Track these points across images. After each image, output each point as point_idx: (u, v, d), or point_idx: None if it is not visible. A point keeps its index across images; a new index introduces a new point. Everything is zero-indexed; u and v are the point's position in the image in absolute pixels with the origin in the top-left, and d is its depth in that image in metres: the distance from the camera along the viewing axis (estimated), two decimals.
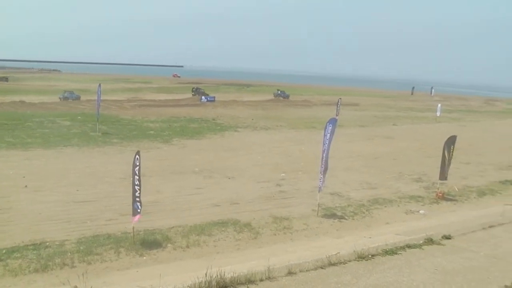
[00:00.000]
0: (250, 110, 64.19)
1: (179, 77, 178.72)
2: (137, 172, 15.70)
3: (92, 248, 14.96)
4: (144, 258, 14.67)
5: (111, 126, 42.32)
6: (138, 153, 15.96)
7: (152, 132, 40.47)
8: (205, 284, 9.02)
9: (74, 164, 26.72)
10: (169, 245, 15.72)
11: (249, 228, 17.52)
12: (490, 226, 15.85)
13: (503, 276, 10.71)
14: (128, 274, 13.35)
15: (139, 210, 15.76)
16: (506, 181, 28.09)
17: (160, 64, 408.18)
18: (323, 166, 19.54)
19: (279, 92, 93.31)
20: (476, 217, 18.75)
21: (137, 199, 15.72)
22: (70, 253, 14.58)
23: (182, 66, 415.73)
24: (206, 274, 9.10)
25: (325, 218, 19.39)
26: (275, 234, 17.33)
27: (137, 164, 15.71)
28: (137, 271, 13.49)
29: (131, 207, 16.01)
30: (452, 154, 23.99)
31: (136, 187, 15.74)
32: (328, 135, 19.43)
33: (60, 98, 69.55)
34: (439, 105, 66.87)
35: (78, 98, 70.80)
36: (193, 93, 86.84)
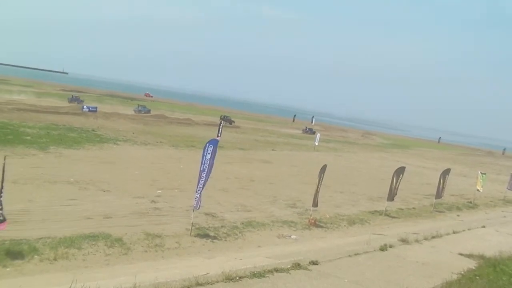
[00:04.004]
0: (132, 124, 62.55)
1: (151, 96, 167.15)
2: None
3: None
4: (8, 269, 13.57)
5: None
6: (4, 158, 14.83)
7: (29, 137, 37.91)
8: None
9: None
10: (35, 256, 14.66)
11: (120, 244, 16.87)
12: (356, 254, 16.54)
13: None
14: None
15: (1, 218, 14.54)
16: (375, 211, 29.08)
17: (42, 68, 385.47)
18: (201, 185, 19.37)
19: (307, 129, 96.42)
20: (343, 244, 19.33)
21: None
22: None
23: (67, 73, 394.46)
24: None
25: (198, 237, 19.09)
26: (147, 251, 16.84)
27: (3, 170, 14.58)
28: None
29: None
30: (321, 182, 24.43)
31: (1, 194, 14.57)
32: (209, 155, 19.21)
33: (134, 111, 77.27)
34: (318, 134, 69.45)
35: (148, 112, 79.68)
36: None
